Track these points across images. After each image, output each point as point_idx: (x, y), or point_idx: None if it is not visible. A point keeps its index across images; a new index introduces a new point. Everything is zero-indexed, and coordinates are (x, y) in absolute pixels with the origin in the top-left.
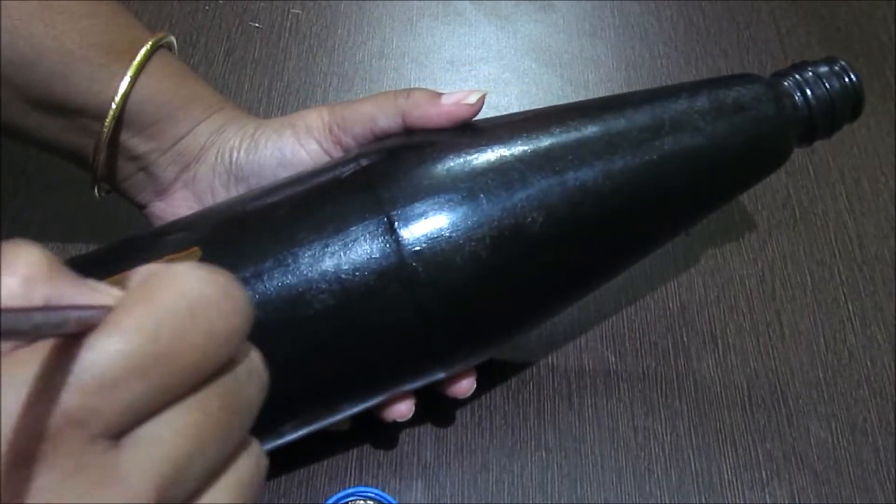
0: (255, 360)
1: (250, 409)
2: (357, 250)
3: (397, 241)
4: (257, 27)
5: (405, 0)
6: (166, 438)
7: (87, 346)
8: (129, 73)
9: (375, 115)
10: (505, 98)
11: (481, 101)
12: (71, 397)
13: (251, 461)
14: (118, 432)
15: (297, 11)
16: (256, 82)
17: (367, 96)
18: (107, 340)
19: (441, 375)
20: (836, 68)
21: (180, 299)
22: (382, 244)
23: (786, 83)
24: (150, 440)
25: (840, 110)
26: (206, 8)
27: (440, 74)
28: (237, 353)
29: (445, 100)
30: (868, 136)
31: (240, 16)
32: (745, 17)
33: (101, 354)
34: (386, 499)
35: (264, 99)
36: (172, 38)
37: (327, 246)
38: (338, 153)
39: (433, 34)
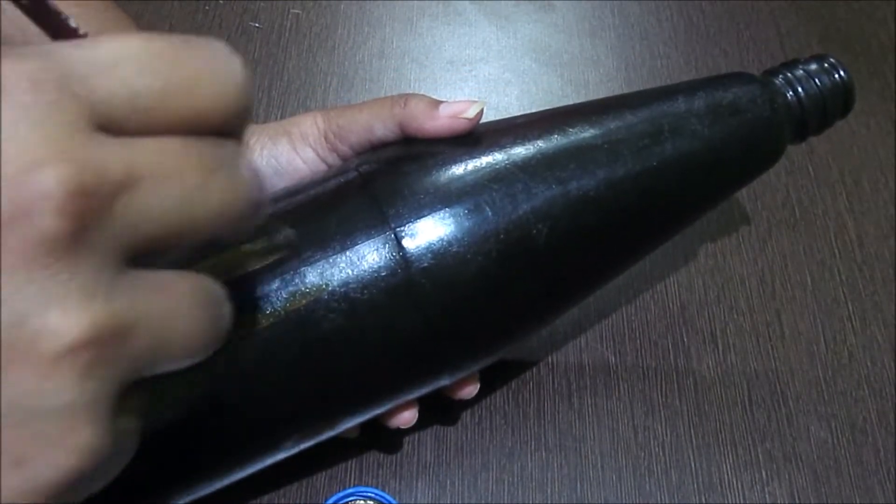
0: (240, 163)
1: (245, 195)
2: (364, 268)
3: (405, 257)
4: (257, 27)
5: (405, 0)
6: (148, 150)
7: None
8: None
9: (372, 123)
10: (505, 98)
11: (479, 115)
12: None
13: (206, 284)
14: (104, 121)
15: (297, 11)
16: (256, 82)
17: (362, 102)
18: (106, 39)
19: (446, 382)
20: (826, 65)
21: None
22: (390, 261)
23: (777, 82)
24: (136, 144)
25: (831, 107)
26: (206, 8)
27: (440, 74)
28: (227, 127)
29: (443, 111)
30: (868, 136)
31: (240, 16)
32: (745, 17)
33: (102, 45)
34: (386, 499)
35: (264, 99)
36: None
37: (334, 264)
38: (334, 160)
39: (433, 34)
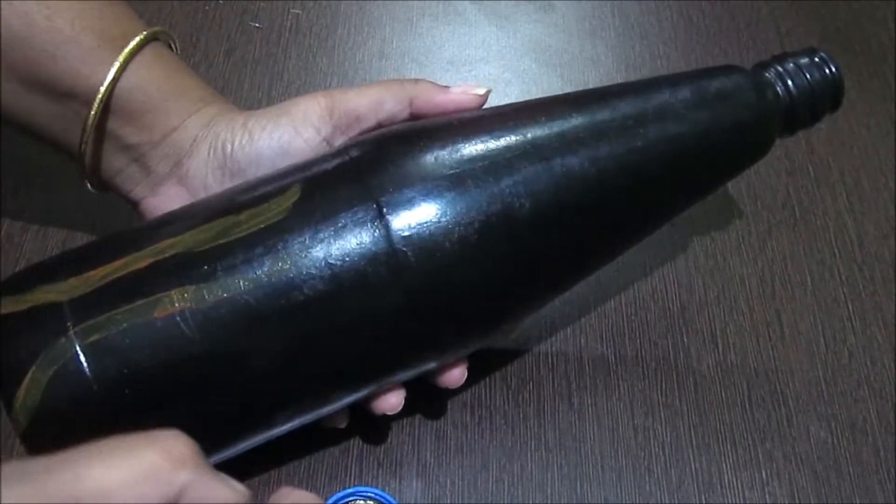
0: None
1: None
2: (347, 237)
3: (386, 226)
4: (257, 27)
5: (405, 0)
6: None
7: None
8: (120, 58)
9: (383, 97)
10: (505, 98)
11: (486, 96)
12: None
13: None
14: None
15: (297, 11)
16: (256, 82)
17: (371, 83)
18: None
19: (432, 365)
20: (816, 59)
21: None
22: (372, 230)
23: (767, 74)
24: None
25: (820, 100)
26: (206, 8)
27: (440, 74)
28: None
29: (454, 89)
30: (868, 136)
31: (240, 16)
32: (745, 17)
33: None
34: (386, 499)
35: (264, 99)
36: (171, 35)
37: (316, 232)
38: (337, 139)
39: (433, 34)
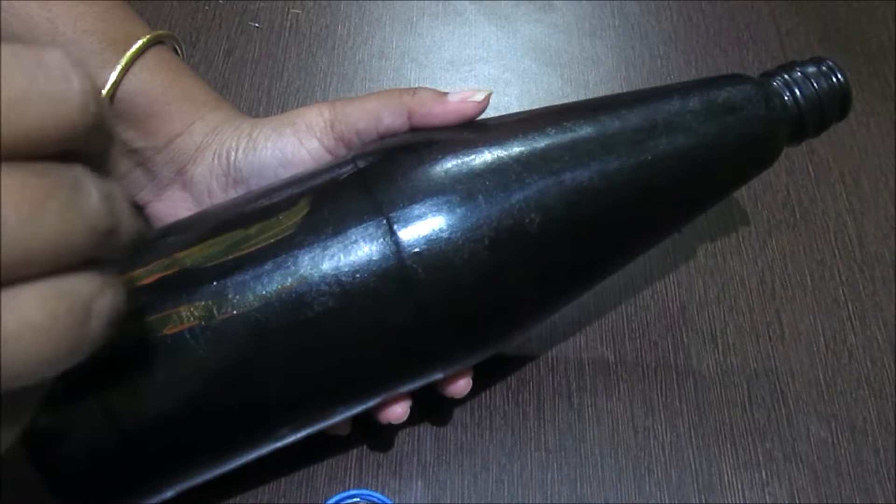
0: (94, 190)
1: (88, 222)
2: (356, 252)
3: (396, 242)
4: (257, 27)
5: (405, 0)
6: None
7: None
8: (122, 61)
9: (380, 112)
10: (505, 98)
11: (487, 100)
12: None
13: (89, 284)
14: None
15: (297, 11)
16: (256, 82)
17: (370, 93)
18: None
19: (440, 376)
20: (824, 68)
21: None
22: (382, 246)
23: (775, 83)
24: None
25: (828, 109)
26: (206, 8)
27: (440, 74)
28: (70, 147)
29: (451, 97)
30: (868, 136)
31: (240, 16)
32: (745, 17)
33: None
34: (382, 500)
35: (264, 99)
36: (176, 37)
37: (326, 248)
38: (340, 151)
39: (433, 34)
